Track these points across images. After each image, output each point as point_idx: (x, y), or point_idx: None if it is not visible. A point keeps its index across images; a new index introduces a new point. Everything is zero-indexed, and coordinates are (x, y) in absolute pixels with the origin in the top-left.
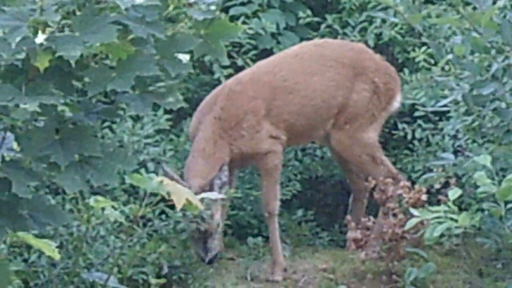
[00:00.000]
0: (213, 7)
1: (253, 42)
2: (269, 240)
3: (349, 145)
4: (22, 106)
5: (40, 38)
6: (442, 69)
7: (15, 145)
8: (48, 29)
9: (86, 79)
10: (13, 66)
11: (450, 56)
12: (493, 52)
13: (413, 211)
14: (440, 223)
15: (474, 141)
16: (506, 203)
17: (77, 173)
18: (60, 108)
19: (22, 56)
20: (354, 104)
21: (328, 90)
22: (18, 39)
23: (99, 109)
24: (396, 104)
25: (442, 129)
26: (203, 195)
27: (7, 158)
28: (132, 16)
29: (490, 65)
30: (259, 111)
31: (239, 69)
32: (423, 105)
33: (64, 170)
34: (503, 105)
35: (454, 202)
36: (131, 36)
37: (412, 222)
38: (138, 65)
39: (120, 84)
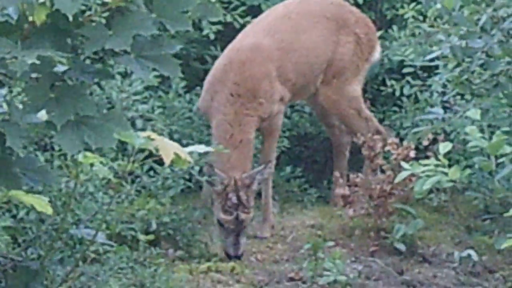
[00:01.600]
0: None
1: None
2: (262, 197)
3: (337, 100)
4: (20, 58)
5: None
6: (431, 26)
7: (4, 105)
8: None
9: (81, 38)
10: (7, 23)
11: (438, 6)
12: (482, 5)
13: (404, 164)
14: (429, 176)
15: (462, 97)
16: (496, 157)
17: (74, 134)
18: (57, 59)
19: (8, 11)
20: (340, 57)
21: (319, 46)
22: None
23: (93, 69)
24: (377, 55)
25: (430, 86)
26: (191, 148)
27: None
28: None
29: (479, 19)
30: (271, 74)
31: (227, 25)
32: (412, 62)
33: (61, 129)
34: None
35: (443, 157)
36: None
37: (402, 175)
38: (135, 23)
39: (118, 43)
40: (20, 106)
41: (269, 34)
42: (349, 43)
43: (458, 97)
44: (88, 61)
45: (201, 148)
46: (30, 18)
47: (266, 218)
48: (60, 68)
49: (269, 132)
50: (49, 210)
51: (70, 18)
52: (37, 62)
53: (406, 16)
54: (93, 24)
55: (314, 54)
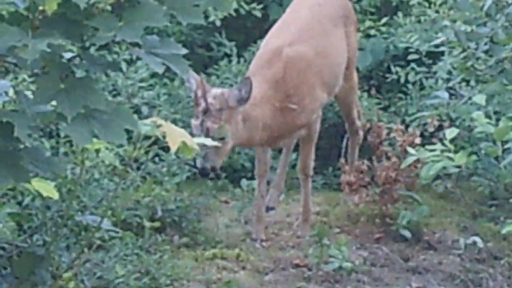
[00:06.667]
0: None
1: None
2: (302, 200)
3: (348, 88)
4: (30, 46)
5: None
6: (436, 12)
7: (11, 92)
8: None
9: (92, 29)
10: (17, 13)
11: None
12: None
13: (410, 149)
14: (435, 162)
15: (467, 83)
16: (502, 143)
17: (84, 126)
18: (67, 47)
19: None
20: (352, 48)
21: (342, 46)
22: None
23: (103, 61)
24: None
25: (435, 73)
26: (198, 140)
27: (7, 107)
28: None
29: (484, 5)
30: (309, 82)
31: (234, 12)
32: (417, 49)
33: (71, 121)
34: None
35: (449, 143)
36: None
37: (409, 160)
38: (146, 15)
39: (129, 34)
40: (27, 94)
41: (305, 40)
42: (353, 31)
43: (463, 83)
44: (93, 48)
45: (209, 141)
46: (40, 8)
47: (306, 218)
48: (68, 55)
49: (308, 136)
50: (55, 195)
51: (82, 8)
52: (48, 50)
53: (411, 3)
54: (104, 15)
55: (340, 55)
